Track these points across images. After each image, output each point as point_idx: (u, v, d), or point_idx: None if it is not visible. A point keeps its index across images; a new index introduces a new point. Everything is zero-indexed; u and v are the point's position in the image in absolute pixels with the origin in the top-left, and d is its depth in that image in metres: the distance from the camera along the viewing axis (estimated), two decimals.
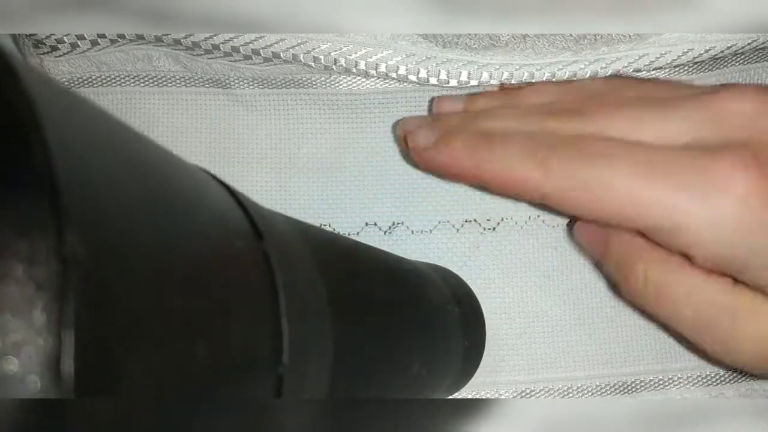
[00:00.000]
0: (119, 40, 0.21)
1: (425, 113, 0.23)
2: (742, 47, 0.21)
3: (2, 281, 0.06)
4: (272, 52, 0.21)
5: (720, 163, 0.14)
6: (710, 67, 0.22)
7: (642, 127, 0.15)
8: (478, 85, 0.22)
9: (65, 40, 0.21)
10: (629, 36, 0.21)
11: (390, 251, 0.23)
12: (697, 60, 0.21)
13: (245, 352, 0.09)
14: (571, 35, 0.21)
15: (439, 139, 0.18)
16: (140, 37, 0.21)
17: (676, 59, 0.20)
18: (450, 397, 0.21)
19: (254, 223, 0.10)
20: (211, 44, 0.21)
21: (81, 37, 0.21)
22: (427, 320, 0.17)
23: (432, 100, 0.22)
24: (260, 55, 0.21)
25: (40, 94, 0.07)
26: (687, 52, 0.20)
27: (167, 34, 0.20)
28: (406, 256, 0.23)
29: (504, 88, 0.21)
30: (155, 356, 0.07)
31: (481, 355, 0.20)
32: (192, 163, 0.11)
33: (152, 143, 0.09)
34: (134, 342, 0.07)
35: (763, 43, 0.21)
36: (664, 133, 0.15)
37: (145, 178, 0.08)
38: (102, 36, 0.21)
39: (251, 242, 0.10)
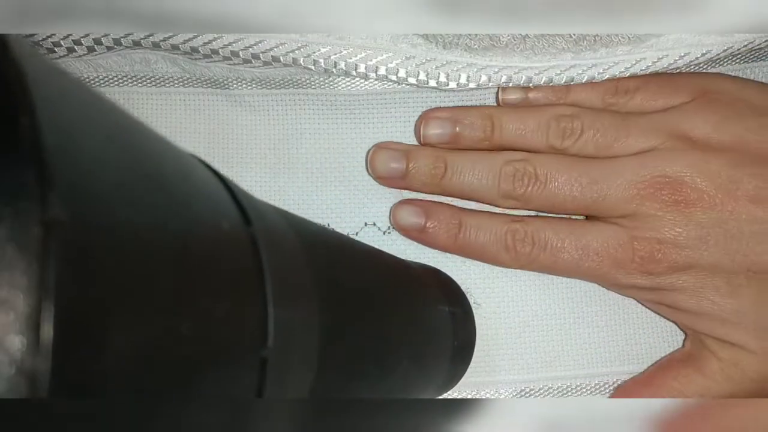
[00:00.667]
0: (116, 47, 0.21)
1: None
2: (739, 49, 0.21)
3: None
4: (272, 56, 0.21)
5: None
6: (705, 68, 0.22)
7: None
8: (476, 88, 0.22)
9: (62, 43, 0.21)
10: (628, 38, 0.21)
11: (389, 251, 0.23)
12: (693, 62, 0.21)
13: (230, 333, 0.09)
14: (570, 36, 0.21)
15: (424, 225, 0.22)
16: (137, 44, 0.21)
17: (672, 63, 0.20)
18: (443, 396, 0.21)
19: (243, 208, 0.10)
20: (210, 49, 0.21)
21: (78, 43, 0.21)
22: (417, 317, 0.17)
23: (420, 119, 0.22)
24: (260, 59, 0.21)
25: (32, 66, 0.07)
26: (684, 56, 0.20)
27: (165, 40, 0.21)
28: (404, 257, 0.23)
29: (489, 111, 0.22)
30: (139, 328, 0.07)
31: (471, 356, 0.20)
32: (185, 150, 0.11)
33: (144, 125, 0.09)
34: (117, 312, 0.07)
35: (759, 44, 0.21)
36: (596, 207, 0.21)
37: (134, 155, 0.08)
38: (98, 43, 0.21)
39: (239, 226, 0.10)
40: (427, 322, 0.18)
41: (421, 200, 0.22)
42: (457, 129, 0.22)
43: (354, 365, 0.13)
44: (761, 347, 0.19)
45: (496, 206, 0.22)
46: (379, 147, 0.22)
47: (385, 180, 0.22)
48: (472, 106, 0.23)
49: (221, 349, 0.09)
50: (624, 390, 0.22)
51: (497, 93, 0.23)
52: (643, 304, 0.22)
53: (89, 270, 0.07)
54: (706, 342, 0.20)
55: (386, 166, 0.22)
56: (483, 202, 0.22)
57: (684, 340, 0.22)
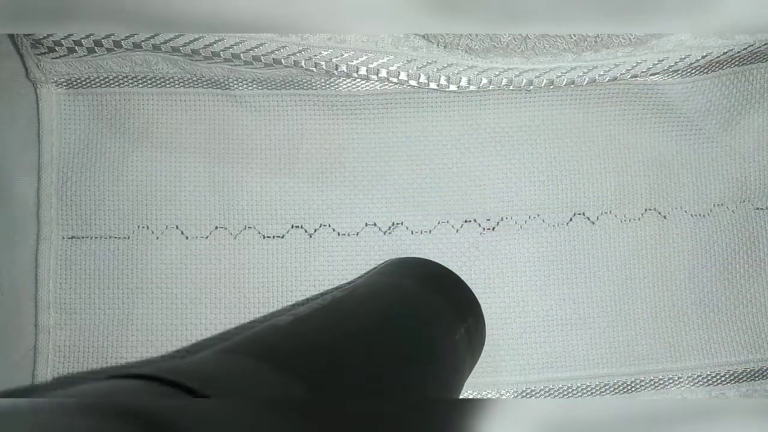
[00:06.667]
0: (116, 49, 0.21)
1: (424, 114, 0.23)
2: (738, 52, 0.21)
3: None
4: (273, 58, 0.21)
5: None
6: (705, 70, 0.22)
7: None
8: (477, 90, 0.22)
9: (63, 43, 0.21)
10: (629, 39, 0.21)
11: (390, 251, 0.23)
12: (693, 65, 0.21)
13: None
14: (571, 37, 0.21)
15: None
16: (137, 46, 0.21)
17: (673, 65, 0.21)
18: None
19: None
20: (211, 51, 0.20)
21: (78, 43, 0.21)
22: (435, 356, 0.17)
23: None
24: (261, 61, 0.21)
25: None
26: (684, 58, 0.20)
27: (165, 42, 0.20)
28: (405, 255, 0.23)
29: None
30: None
31: (481, 351, 0.20)
32: None
33: None
34: None
35: (759, 47, 0.21)
36: None
37: None
38: (99, 44, 0.21)
39: None
40: (446, 354, 0.18)
41: None
42: None
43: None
44: None
45: None
46: None
47: None
48: None
49: None
50: None
51: None
52: None
53: None
54: None
55: None
56: None
57: None
